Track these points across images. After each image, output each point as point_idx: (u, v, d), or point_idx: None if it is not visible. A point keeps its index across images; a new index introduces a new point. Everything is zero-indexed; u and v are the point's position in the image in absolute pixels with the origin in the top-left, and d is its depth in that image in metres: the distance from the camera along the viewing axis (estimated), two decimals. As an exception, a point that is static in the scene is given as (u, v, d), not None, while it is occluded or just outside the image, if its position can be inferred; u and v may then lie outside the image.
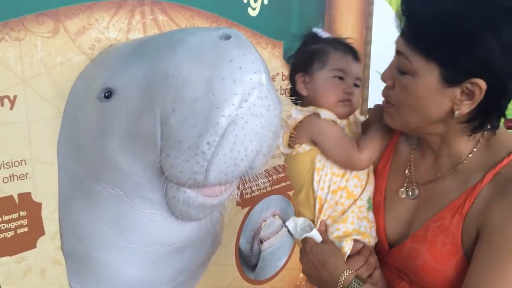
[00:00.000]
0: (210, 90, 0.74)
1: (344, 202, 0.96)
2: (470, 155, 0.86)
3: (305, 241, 0.95)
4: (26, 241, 0.88)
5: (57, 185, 0.90)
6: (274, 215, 1.48)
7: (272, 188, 1.43)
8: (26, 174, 0.86)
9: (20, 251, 0.87)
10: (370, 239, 0.95)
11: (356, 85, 1.01)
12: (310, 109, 0.97)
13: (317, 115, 0.96)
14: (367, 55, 1.69)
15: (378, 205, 0.97)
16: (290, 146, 1.00)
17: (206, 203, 0.86)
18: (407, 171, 0.96)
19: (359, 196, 0.97)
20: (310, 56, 1.02)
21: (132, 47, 0.87)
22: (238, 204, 1.31)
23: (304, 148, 0.98)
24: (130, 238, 0.91)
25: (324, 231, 0.96)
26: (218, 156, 0.76)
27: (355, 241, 0.94)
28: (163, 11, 1.02)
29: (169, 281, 1.04)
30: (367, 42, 1.68)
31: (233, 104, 0.74)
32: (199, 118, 0.75)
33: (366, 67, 1.70)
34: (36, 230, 0.89)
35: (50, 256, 0.91)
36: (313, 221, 0.98)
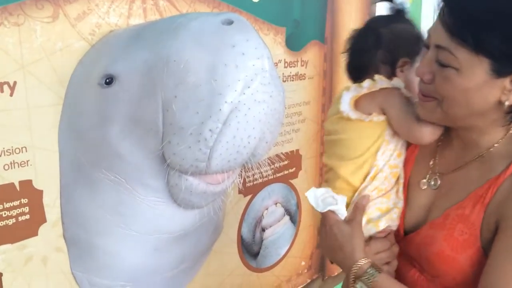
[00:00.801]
0: (212, 76, 0.73)
1: (391, 180, 0.98)
2: (496, 145, 0.86)
3: (327, 216, 0.92)
4: (28, 228, 0.87)
5: (58, 173, 0.89)
6: (276, 203, 1.47)
7: (275, 176, 1.43)
8: (27, 161, 0.85)
9: (21, 238, 0.87)
10: (395, 225, 0.96)
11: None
12: (396, 82, 0.98)
13: (397, 89, 0.97)
14: (370, 42, 1.67)
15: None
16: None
17: (208, 190, 0.86)
18: (431, 162, 0.96)
19: (398, 179, 0.99)
20: (417, 42, 1.00)
21: (133, 32, 0.85)
22: (240, 192, 1.31)
23: (379, 118, 0.98)
24: (132, 226, 0.91)
25: (361, 208, 0.93)
26: (220, 143, 0.75)
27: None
28: (164, -4, 1.00)
29: (171, 269, 1.04)
30: (370, 29, 1.66)
31: (236, 91, 0.73)
32: (202, 104, 0.74)
33: (369, 54, 1.68)
34: (38, 217, 0.88)
35: (52, 244, 0.91)
36: (353, 192, 0.96)
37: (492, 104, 0.81)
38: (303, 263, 1.64)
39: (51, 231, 0.90)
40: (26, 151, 0.85)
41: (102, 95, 0.82)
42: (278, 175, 1.44)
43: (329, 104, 1.57)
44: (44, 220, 0.89)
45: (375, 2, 1.66)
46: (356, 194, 0.96)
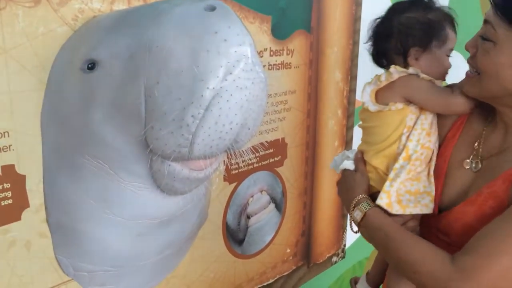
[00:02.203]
0: (194, 62, 0.73)
1: (422, 161, 1.03)
2: None
3: (343, 172, 1.14)
4: (11, 213, 0.87)
5: (41, 157, 0.89)
6: (261, 191, 1.49)
7: (260, 164, 1.44)
8: (9, 146, 0.85)
9: (4, 223, 0.87)
10: (422, 208, 1.02)
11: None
12: (411, 70, 1.04)
13: (416, 75, 1.03)
14: (356, 31, 1.68)
15: (439, 172, 1.03)
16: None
17: (191, 176, 0.86)
18: (476, 144, 0.99)
19: (431, 164, 1.04)
20: (429, 31, 1.04)
21: (116, 18, 0.85)
22: (225, 180, 1.32)
23: (397, 106, 1.05)
24: (116, 211, 0.91)
25: (360, 159, 1.11)
26: (202, 129, 0.76)
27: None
28: (149, -18, 1.00)
29: (155, 255, 1.05)
30: (356, 18, 1.67)
31: (218, 77, 0.73)
32: (184, 90, 0.74)
33: (355, 43, 1.70)
34: (21, 202, 0.88)
35: (35, 229, 0.91)
36: (386, 175, 1.07)
37: None
38: (288, 250, 1.66)
39: (34, 216, 0.91)
40: (9, 136, 0.84)
41: (84, 80, 0.82)
42: (263, 163, 1.45)
43: (315, 93, 1.59)
44: (27, 205, 0.89)
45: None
46: (391, 173, 1.05)
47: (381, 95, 1.08)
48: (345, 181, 1.11)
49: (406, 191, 1.03)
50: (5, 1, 0.80)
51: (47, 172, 0.90)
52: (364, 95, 1.09)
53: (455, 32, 1.07)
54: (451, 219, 0.95)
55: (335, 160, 1.19)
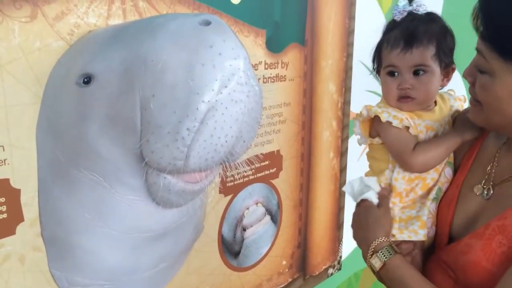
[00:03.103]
0: (189, 75, 0.74)
1: (418, 191, 0.98)
2: None
3: (361, 202, 0.99)
4: (5, 227, 0.87)
5: (36, 172, 0.89)
6: (257, 203, 1.49)
7: (255, 176, 1.44)
8: (5, 160, 0.85)
9: (-1, 237, 0.87)
10: (410, 235, 0.97)
11: (417, 72, 0.95)
12: (372, 112, 0.99)
13: (378, 117, 0.98)
14: (350, 44, 1.70)
15: (451, 198, 0.95)
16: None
17: (186, 189, 0.87)
18: (489, 168, 0.93)
19: (432, 188, 0.98)
20: (374, 53, 1.02)
21: (112, 32, 0.86)
22: (220, 192, 1.32)
23: (377, 140, 1.02)
24: (111, 225, 0.91)
25: (385, 196, 0.99)
26: (198, 142, 0.76)
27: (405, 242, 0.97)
28: (144, -3, 1.01)
29: (150, 268, 1.04)
30: (350, 31, 1.69)
31: (213, 90, 0.74)
32: (179, 103, 0.75)
33: (349, 56, 1.71)
34: (15, 216, 0.88)
35: (30, 243, 0.91)
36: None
37: None
38: (284, 262, 1.65)
39: (29, 230, 0.90)
40: (4, 150, 0.84)
41: (80, 94, 0.82)
42: (259, 175, 1.45)
43: (310, 106, 1.60)
44: (21, 219, 0.89)
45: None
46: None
47: (371, 127, 1.05)
48: (365, 215, 0.97)
49: (399, 218, 0.99)
50: (1, 16, 0.81)
51: (42, 185, 0.90)
52: (356, 126, 1.07)
53: (402, 40, 0.96)
54: (458, 251, 0.88)
55: (352, 186, 1.05)
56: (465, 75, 0.88)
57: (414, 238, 0.97)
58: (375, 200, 0.98)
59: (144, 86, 0.76)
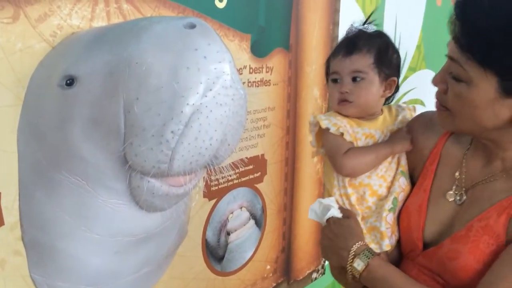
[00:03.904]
0: (174, 78, 0.74)
1: (368, 199, 0.99)
2: None
3: (328, 221, 0.99)
4: (-15, 231, 0.85)
5: (17, 175, 0.88)
6: (241, 207, 1.49)
7: (240, 180, 1.44)
8: (-15, 163, 0.83)
9: (-22, 242, 0.85)
10: (382, 246, 0.98)
11: (355, 79, 1.00)
12: (316, 119, 1.03)
13: (317, 123, 1.02)
14: (334, 50, 1.72)
15: (420, 204, 0.96)
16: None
17: (170, 192, 0.86)
18: (457, 173, 0.93)
19: (386, 197, 0.99)
20: (325, 65, 1.09)
21: (95, 34, 0.85)
22: (205, 196, 1.31)
23: (323, 151, 1.05)
24: (93, 228, 0.90)
25: (347, 209, 1.00)
26: (182, 145, 0.76)
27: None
28: None
29: (133, 272, 1.03)
30: (334, 37, 1.70)
31: (198, 93, 0.74)
32: (163, 106, 0.75)
33: (333, 62, 1.73)
34: (-5, 220, 0.87)
35: (10, 247, 0.89)
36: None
37: (506, 121, 0.79)
38: (268, 267, 1.65)
39: (9, 234, 0.89)
40: (-16, 152, 0.83)
41: (62, 96, 0.81)
42: (243, 179, 1.45)
43: (294, 110, 1.61)
44: (2, 223, 0.87)
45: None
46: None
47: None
48: (337, 227, 0.96)
49: (366, 229, 1.00)
50: (-18, 17, 0.80)
51: (23, 189, 0.89)
52: (311, 141, 1.08)
53: (342, 48, 1.01)
54: (442, 256, 0.88)
55: (314, 211, 1.04)
56: (436, 83, 0.87)
57: (379, 250, 0.98)
58: (339, 215, 1.00)
59: (128, 89, 0.76)
